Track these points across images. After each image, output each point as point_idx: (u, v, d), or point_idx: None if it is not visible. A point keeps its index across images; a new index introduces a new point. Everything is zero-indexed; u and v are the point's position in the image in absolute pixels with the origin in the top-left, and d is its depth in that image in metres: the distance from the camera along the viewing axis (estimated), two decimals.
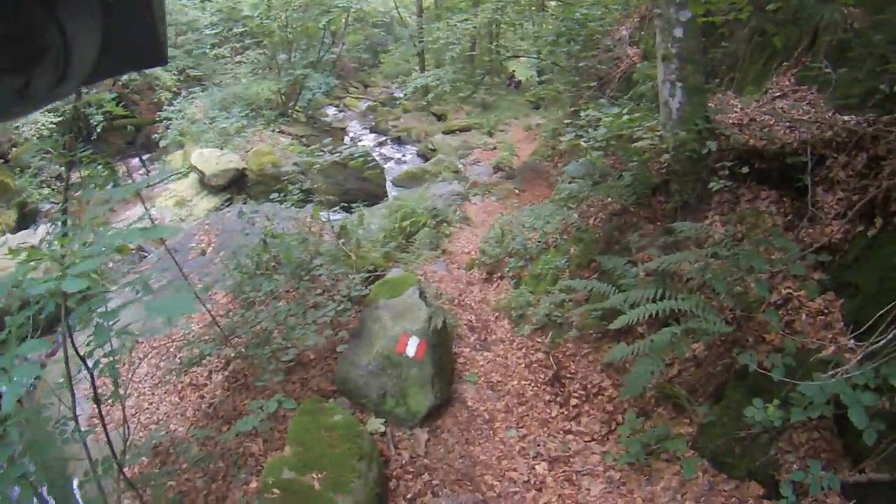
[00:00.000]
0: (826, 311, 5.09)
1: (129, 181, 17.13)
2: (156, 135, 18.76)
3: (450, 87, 17.63)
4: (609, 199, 7.95)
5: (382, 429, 6.40)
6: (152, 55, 0.88)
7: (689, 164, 6.58)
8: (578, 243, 8.26)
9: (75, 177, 16.49)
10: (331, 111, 24.94)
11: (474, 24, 17.35)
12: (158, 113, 19.30)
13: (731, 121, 6.71)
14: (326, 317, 7.08)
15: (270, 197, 15.47)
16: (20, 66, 0.66)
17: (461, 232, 12.43)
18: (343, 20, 22.04)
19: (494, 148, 19.86)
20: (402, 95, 24.28)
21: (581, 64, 11.73)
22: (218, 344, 7.34)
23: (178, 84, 20.28)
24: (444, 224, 12.47)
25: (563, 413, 6.68)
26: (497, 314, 8.81)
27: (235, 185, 16.78)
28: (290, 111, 18.37)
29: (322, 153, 12.09)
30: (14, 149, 17.26)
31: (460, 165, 18.51)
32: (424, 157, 20.26)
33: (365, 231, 10.75)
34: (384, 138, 22.59)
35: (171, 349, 8.36)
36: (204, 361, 7.61)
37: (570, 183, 8.68)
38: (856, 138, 5.51)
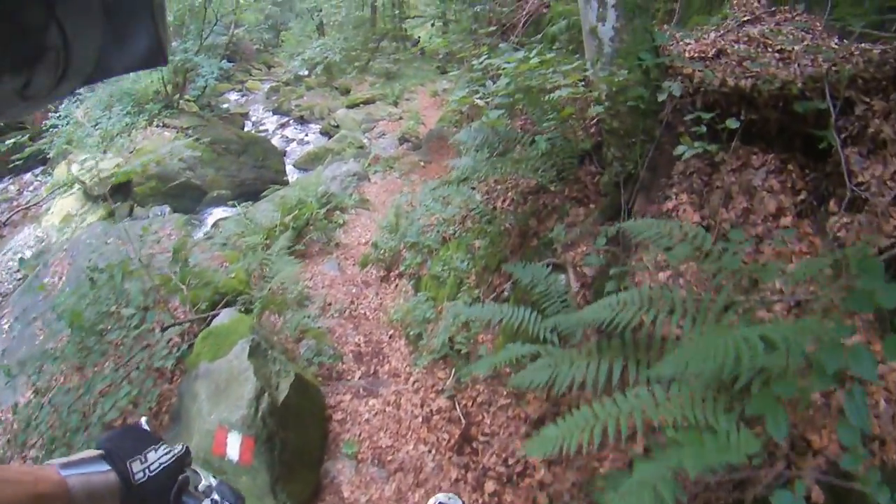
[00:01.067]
0: None
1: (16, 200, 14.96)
2: (43, 145, 15.68)
3: (340, 57, 14.87)
4: (519, 175, 5.25)
5: None
6: (153, 55, 0.79)
7: (633, 118, 3.97)
8: (483, 236, 5.63)
9: None
10: (233, 96, 22.10)
11: None
12: (44, 122, 16.32)
13: (690, 55, 4.00)
14: (117, 408, 4.45)
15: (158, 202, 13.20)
16: (20, 66, 0.60)
17: (358, 219, 9.69)
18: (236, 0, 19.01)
19: (400, 118, 17.35)
20: (304, 73, 21.44)
21: (477, 9, 8.96)
22: None
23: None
24: (338, 212, 9.68)
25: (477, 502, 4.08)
26: (392, 331, 6.37)
27: (121, 192, 13.87)
28: (176, 102, 15.31)
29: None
30: None
31: (364, 140, 15.97)
32: (328, 134, 17.68)
33: (227, 240, 8.12)
34: (287, 119, 19.90)
35: None
36: None
37: (463, 156, 6.00)
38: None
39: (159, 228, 8.83)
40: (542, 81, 4.44)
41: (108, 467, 1.17)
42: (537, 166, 4.77)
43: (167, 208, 13.18)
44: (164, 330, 5.43)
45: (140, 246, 6.55)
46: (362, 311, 6.86)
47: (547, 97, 4.50)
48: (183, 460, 1.31)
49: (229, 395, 4.37)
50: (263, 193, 11.66)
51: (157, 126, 15.04)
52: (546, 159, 4.73)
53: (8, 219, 14.17)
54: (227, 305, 6.09)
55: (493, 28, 8.56)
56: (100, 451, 1.20)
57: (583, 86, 4.35)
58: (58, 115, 16.02)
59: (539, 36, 6.95)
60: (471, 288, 5.47)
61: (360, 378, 5.71)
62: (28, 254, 12.23)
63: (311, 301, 7.07)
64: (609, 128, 4.23)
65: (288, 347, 5.88)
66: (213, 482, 1.32)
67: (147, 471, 1.23)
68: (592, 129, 4.73)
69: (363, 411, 5.19)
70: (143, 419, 1.37)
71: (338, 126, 17.55)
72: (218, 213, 12.96)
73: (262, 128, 19.01)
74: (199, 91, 16.43)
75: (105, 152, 14.58)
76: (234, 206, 11.02)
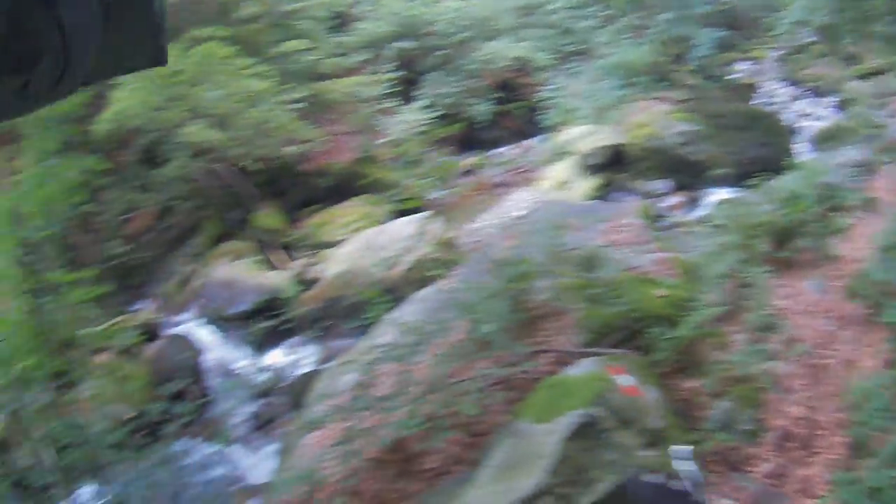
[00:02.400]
0: None
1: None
2: (540, 115, 16.59)
3: (838, 19, 12.67)
4: None
5: None
6: (152, 55, 0.83)
7: None
8: None
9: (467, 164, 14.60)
10: (740, 66, 20.24)
11: None
12: (535, 94, 17.29)
13: None
14: None
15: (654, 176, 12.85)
16: (20, 66, 0.63)
17: (861, 225, 7.38)
18: None
19: None
20: (810, 40, 19.12)
21: None
22: None
23: (556, 62, 17.76)
24: (837, 213, 7.59)
25: None
26: (842, 413, 4.71)
27: (615, 164, 13.95)
28: (671, 74, 14.72)
29: None
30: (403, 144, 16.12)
31: (880, 119, 13.25)
32: (841, 110, 15.37)
33: None
34: (798, 91, 17.80)
35: None
36: None
37: None
38: None
39: (618, 215, 8.29)
40: None
41: None
42: None
43: (668, 183, 12.78)
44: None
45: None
46: (825, 363, 5.28)
47: None
48: None
49: (509, 476, 3.59)
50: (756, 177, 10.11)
51: (652, 99, 14.64)
52: None
53: (506, 180, 15.18)
54: (621, 341, 5.05)
55: None
56: None
57: None
58: (552, 88, 16.61)
59: None
60: None
61: (763, 476, 4.40)
62: (520, 212, 12.98)
63: (775, 330, 5.68)
64: None
65: (693, 411, 4.76)
66: None
67: None
68: None
69: None
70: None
71: (852, 100, 15.20)
72: (720, 193, 12.11)
73: (772, 100, 17.33)
74: (699, 61, 15.62)
75: (598, 124, 14.70)
76: (739, 187, 10.04)
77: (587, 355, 4.62)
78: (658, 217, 11.13)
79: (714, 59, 16.38)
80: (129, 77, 9.30)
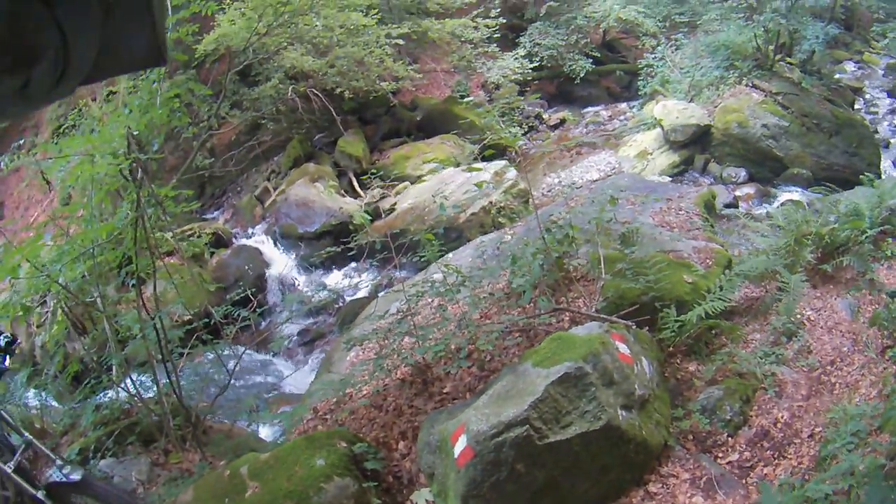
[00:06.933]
0: None
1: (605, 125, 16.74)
2: (639, 81, 16.80)
3: None
4: None
5: None
6: (152, 55, 0.83)
7: None
8: None
9: (555, 118, 14.74)
10: (850, 67, 19.77)
11: None
12: (639, 61, 17.38)
13: None
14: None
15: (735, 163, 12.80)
16: (20, 66, 0.63)
17: None
18: None
19: None
20: None
21: None
22: None
23: (664, 30, 17.59)
24: (889, 240, 7.46)
25: None
26: (822, 428, 4.85)
27: (698, 143, 13.92)
28: (772, 64, 14.35)
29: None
30: (498, 90, 16.30)
31: None
32: None
33: None
34: None
35: None
36: None
37: None
38: None
39: (680, 197, 8.47)
40: None
41: None
42: None
43: (744, 172, 12.82)
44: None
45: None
46: (832, 380, 5.41)
47: None
48: None
49: (500, 404, 4.15)
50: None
51: (747, 85, 14.39)
52: None
53: (591, 141, 15.35)
54: (634, 314, 5.38)
55: None
56: None
57: None
58: (655, 56, 16.68)
59: None
60: None
61: (727, 463, 4.69)
62: (595, 175, 13.15)
63: (792, 339, 5.86)
64: None
65: (684, 391, 5.17)
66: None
67: None
68: None
69: (681, 500, 4.30)
70: None
71: None
72: (792, 193, 12.13)
73: (871, 108, 16.86)
74: (805, 56, 15.13)
75: (691, 101, 14.76)
76: (816, 192, 9.88)
77: (597, 320, 5.05)
78: (726, 206, 11.23)
79: (822, 56, 15.92)
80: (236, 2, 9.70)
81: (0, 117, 0.80)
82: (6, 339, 4.67)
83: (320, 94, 13.36)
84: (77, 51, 0.68)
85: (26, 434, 4.32)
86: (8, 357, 4.48)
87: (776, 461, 4.68)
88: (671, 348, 5.68)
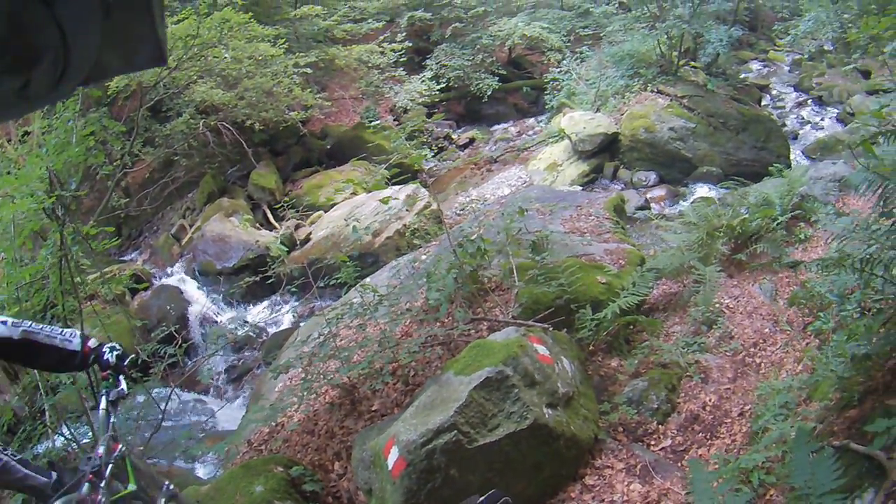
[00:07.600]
0: None
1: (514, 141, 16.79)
2: (545, 96, 17.12)
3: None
4: None
5: None
6: (152, 55, 0.81)
7: None
8: None
9: (465, 137, 14.67)
10: (755, 66, 20.71)
11: None
12: (545, 76, 17.59)
13: None
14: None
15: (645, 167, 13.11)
16: (20, 66, 0.63)
17: (822, 238, 7.40)
18: None
19: None
20: (829, 48, 19.23)
21: None
22: None
23: (569, 44, 17.99)
24: (804, 224, 7.72)
25: None
26: (750, 406, 4.95)
27: (607, 151, 14.13)
28: (676, 69, 14.79)
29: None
30: (406, 113, 16.36)
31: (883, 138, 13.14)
32: (844, 122, 15.46)
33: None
34: (805, 98, 17.89)
35: None
36: None
37: None
38: None
39: (590, 203, 8.56)
40: None
41: None
42: None
43: (654, 175, 13.05)
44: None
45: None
46: (756, 361, 5.53)
47: None
48: None
49: (427, 414, 4.15)
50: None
51: (652, 91, 14.74)
52: None
53: (501, 156, 15.50)
54: (550, 317, 5.43)
55: None
56: None
57: None
58: (560, 70, 16.92)
59: None
60: None
61: (660, 449, 4.72)
62: (506, 190, 13.25)
63: (713, 327, 5.99)
64: None
65: (609, 386, 5.19)
66: None
67: None
68: None
69: (619, 489, 4.29)
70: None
71: (853, 114, 15.20)
72: (703, 190, 12.41)
73: (778, 103, 17.61)
74: (710, 58, 15.63)
75: (597, 111, 14.99)
76: (726, 187, 10.11)
77: (514, 325, 5.04)
78: (638, 209, 11.51)
79: (727, 58, 16.47)
80: None
81: (0, 118, 0.77)
82: (117, 354, 3.10)
83: (231, 128, 13.15)
84: (77, 51, 0.68)
85: None
86: (123, 378, 2.82)
87: (709, 442, 4.71)
88: (591, 347, 5.71)
